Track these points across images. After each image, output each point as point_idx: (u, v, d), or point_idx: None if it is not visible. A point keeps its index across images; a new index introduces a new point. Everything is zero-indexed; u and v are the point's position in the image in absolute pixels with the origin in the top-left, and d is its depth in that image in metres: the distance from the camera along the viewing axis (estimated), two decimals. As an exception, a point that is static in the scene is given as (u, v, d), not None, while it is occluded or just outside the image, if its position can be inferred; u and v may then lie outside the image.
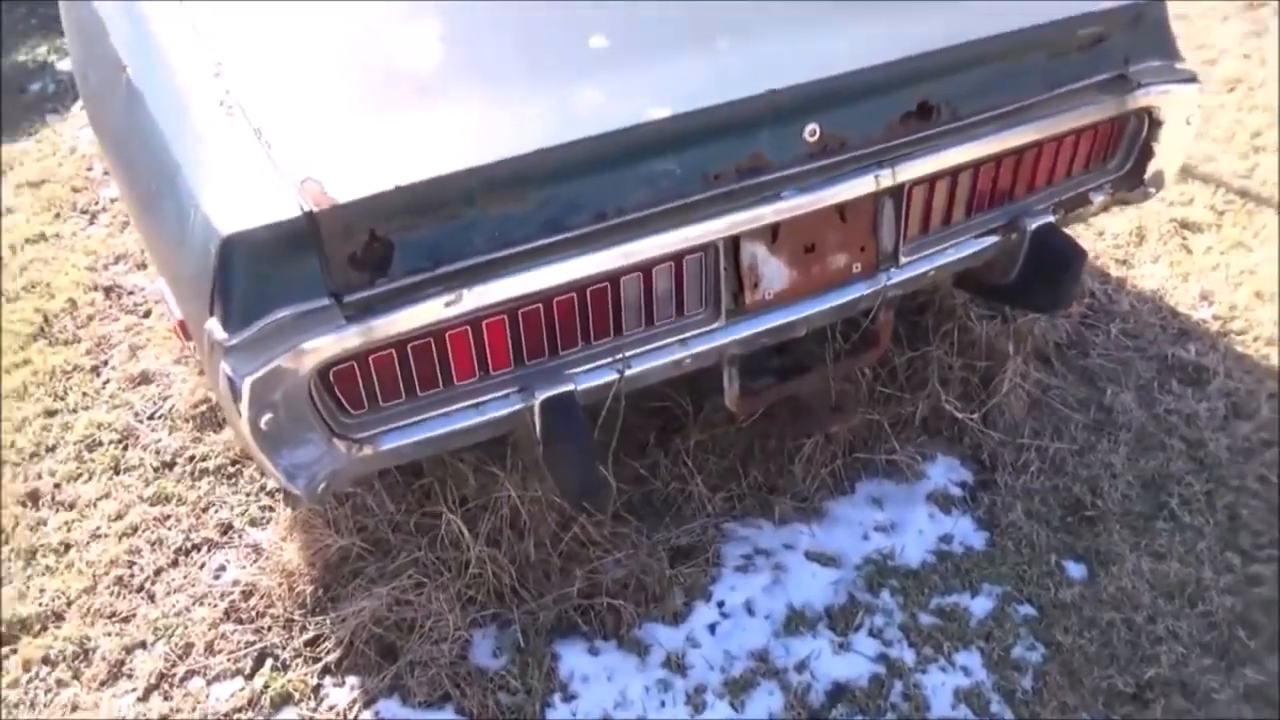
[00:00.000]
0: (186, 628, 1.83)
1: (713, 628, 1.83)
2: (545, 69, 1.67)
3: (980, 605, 1.86)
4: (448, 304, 1.45)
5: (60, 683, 1.76)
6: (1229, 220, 2.86)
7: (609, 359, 1.65)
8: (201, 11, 1.72)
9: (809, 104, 1.66)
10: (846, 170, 1.71)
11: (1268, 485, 2.07)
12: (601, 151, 1.52)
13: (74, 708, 1.71)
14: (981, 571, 1.92)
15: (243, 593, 1.88)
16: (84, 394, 2.38)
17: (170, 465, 2.17)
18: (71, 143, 3.52)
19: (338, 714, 1.68)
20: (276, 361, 1.36)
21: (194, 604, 1.88)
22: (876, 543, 1.99)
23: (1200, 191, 3.01)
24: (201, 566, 1.95)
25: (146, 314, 2.63)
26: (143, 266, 2.82)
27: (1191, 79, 2.05)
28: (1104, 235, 2.85)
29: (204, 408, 2.28)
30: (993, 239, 1.98)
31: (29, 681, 1.76)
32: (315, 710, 1.69)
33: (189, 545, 1.99)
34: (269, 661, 1.76)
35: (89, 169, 3.33)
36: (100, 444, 2.23)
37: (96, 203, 3.18)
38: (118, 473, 2.16)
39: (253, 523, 2.02)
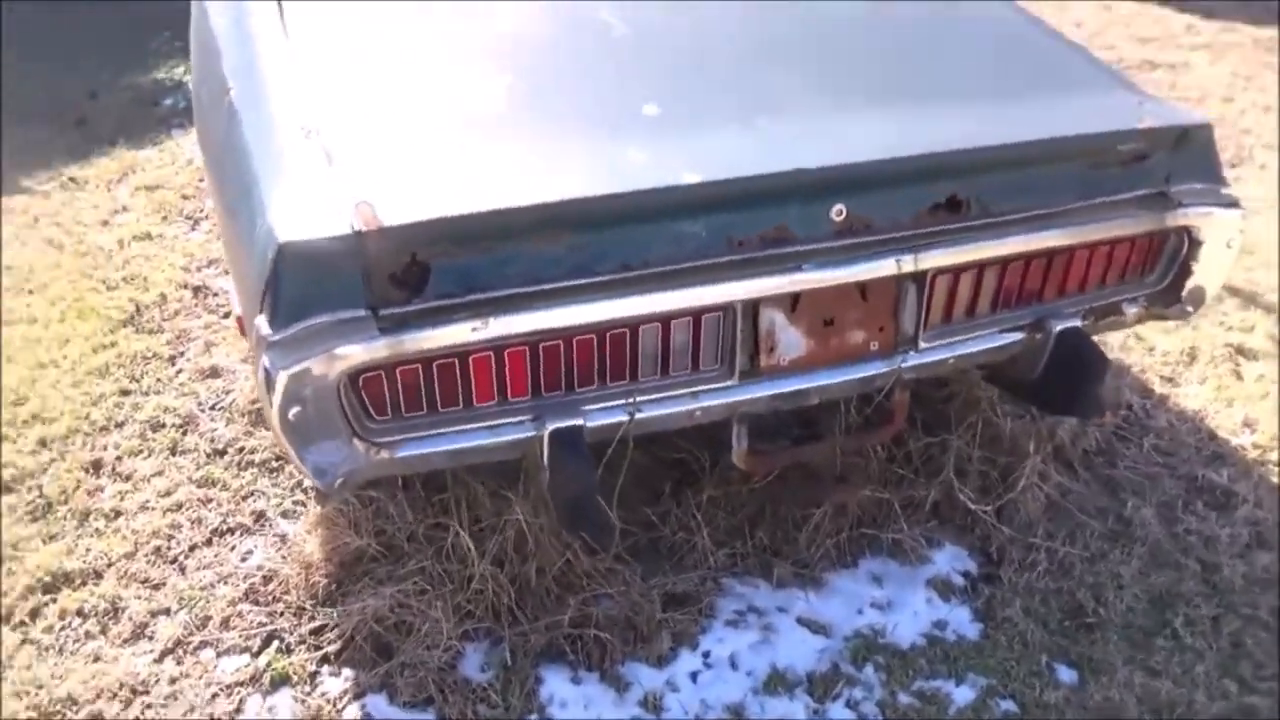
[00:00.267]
0: (208, 602, 1.97)
1: (694, 675, 1.88)
2: (598, 127, 1.82)
3: (962, 694, 1.87)
4: (473, 329, 1.58)
5: (89, 634, 1.91)
6: (1286, 352, 2.83)
7: (621, 401, 1.75)
8: (302, 46, 1.92)
9: (838, 185, 1.75)
10: (869, 252, 1.80)
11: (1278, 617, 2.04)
12: (632, 207, 1.64)
13: (96, 659, 1.86)
14: (969, 661, 1.94)
15: (264, 577, 2.01)
16: (158, 379, 2.59)
17: (221, 453, 2.34)
18: (189, 155, 3.83)
19: (328, 701, 1.79)
20: (310, 361, 1.50)
21: (219, 581, 2.02)
22: (870, 618, 2.02)
23: (1263, 320, 2.99)
24: (232, 549, 2.10)
25: (226, 315, 2.84)
26: (229, 272, 3.04)
27: (1234, 204, 2.09)
28: (1154, 351, 2.85)
29: (260, 405, 2.45)
30: (1017, 336, 2.03)
31: (61, 629, 1.92)
32: (309, 695, 1.80)
33: (224, 528, 2.14)
34: (275, 643, 1.88)
35: (200, 180, 3.62)
36: (163, 426, 2.42)
37: (201, 210, 3.45)
38: (174, 454, 2.34)
39: (284, 514, 2.16)
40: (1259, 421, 2.59)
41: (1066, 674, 1.92)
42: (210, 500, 2.21)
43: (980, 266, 1.94)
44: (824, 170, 1.73)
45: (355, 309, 1.53)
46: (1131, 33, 5.69)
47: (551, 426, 1.68)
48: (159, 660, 1.86)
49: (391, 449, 1.65)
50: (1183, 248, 2.10)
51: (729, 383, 1.83)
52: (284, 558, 2.04)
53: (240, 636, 1.90)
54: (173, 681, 1.82)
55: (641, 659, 1.89)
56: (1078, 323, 2.04)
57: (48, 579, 2.00)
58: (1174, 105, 2.21)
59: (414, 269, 1.56)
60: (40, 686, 1.79)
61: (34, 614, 1.94)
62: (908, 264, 1.82)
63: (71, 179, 3.72)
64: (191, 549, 2.09)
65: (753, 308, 1.79)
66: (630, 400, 1.76)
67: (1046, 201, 1.95)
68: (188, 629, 1.91)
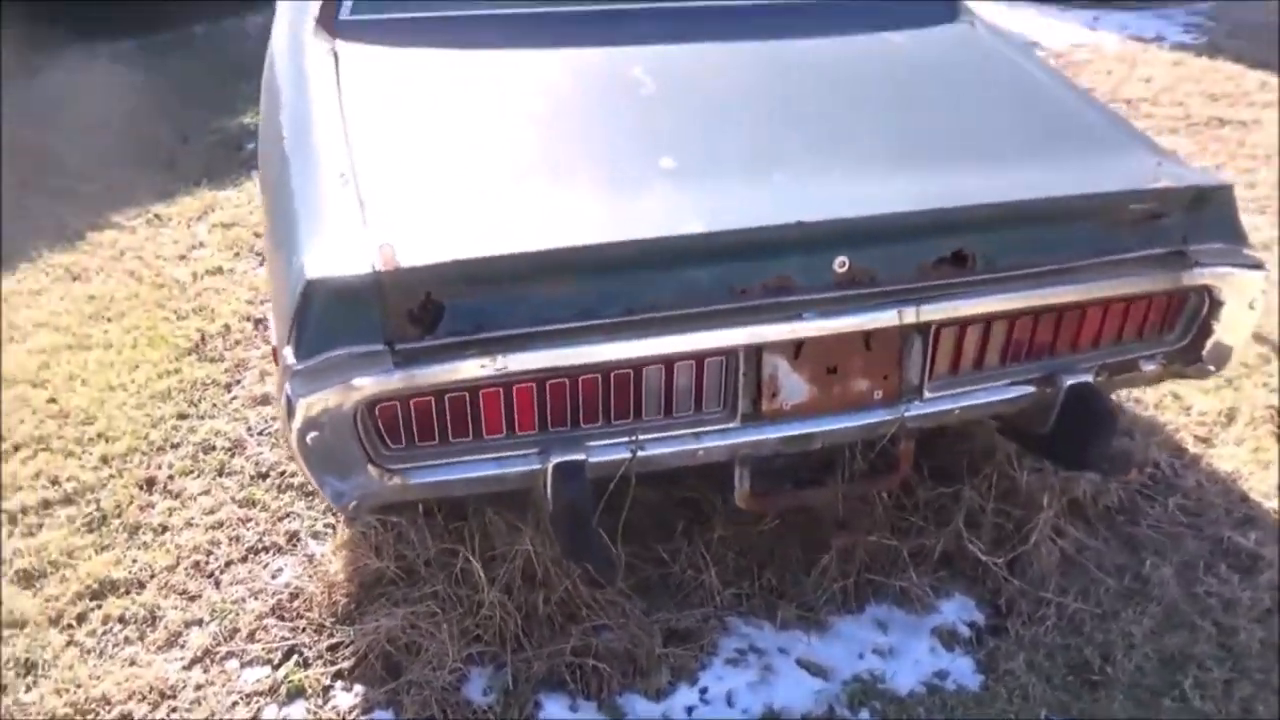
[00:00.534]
0: (238, 615, 2.09)
1: (690, 710, 1.93)
2: (615, 179, 1.92)
3: (956, 744, 1.89)
4: (482, 366, 1.68)
5: (127, 640, 2.05)
6: (1331, 416, 2.77)
7: (624, 439, 1.83)
8: (351, 97, 2.08)
9: (840, 237, 1.82)
10: (870, 302, 1.85)
11: (1294, 686, 1.99)
12: (636, 254, 1.73)
13: (132, 663, 1.99)
14: (967, 711, 1.94)
15: (290, 594, 2.13)
16: (213, 404, 2.76)
17: (264, 476, 2.48)
18: (264, 195, 4.07)
19: (338, 715, 1.88)
20: (329, 390, 1.62)
21: (250, 596, 2.14)
22: (870, 663, 2.04)
23: (1311, 384, 2.92)
24: (265, 566, 2.23)
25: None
26: (271, 305, 3.23)
27: (1256, 265, 2.08)
28: (1190, 411, 2.81)
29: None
30: (1027, 390, 2.05)
31: (104, 634, 2.06)
32: (320, 708, 1.90)
33: (260, 546, 2.28)
34: (295, 657, 1.99)
35: (271, 219, 3.84)
36: (214, 448, 2.58)
37: (269, 247, 3.66)
38: (221, 474, 2.50)
39: (315, 536, 2.29)
40: (1296, 486, 2.53)
41: (1066, 731, 1.92)
42: (249, 520, 2.35)
43: (987, 320, 1.97)
44: (825, 223, 1.80)
45: (373, 343, 1.65)
46: (1202, 89, 5.62)
47: (555, 460, 1.77)
48: (188, 667, 1.98)
49: (405, 476, 1.75)
50: (1203, 307, 2.10)
51: (731, 425, 1.89)
52: (310, 577, 2.16)
53: (263, 649, 2.02)
54: (198, 688, 1.94)
55: (639, 691, 1.95)
56: (1089, 378, 2.05)
57: (95, 586, 2.16)
58: (1193, 166, 2.21)
59: (429, 307, 1.67)
60: (79, 685, 1.93)
61: (80, 618, 2.09)
62: (910, 316, 1.86)
63: (156, 216, 3.99)
64: (228, 564, 2.23)
65: (755, 353, 1.85)
66: (633, 438, 1.83)
67: (1056, 258, 1.97)
68: (216, 639, 2.04)
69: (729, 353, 1.83)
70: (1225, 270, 2.05)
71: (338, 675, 1.95)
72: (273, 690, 1.93)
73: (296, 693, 1.93)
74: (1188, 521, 2.40)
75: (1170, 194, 2.00)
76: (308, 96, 2.16)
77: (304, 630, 2.05)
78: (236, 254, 3.66)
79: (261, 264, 3.58)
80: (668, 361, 1.80)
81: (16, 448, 2.58)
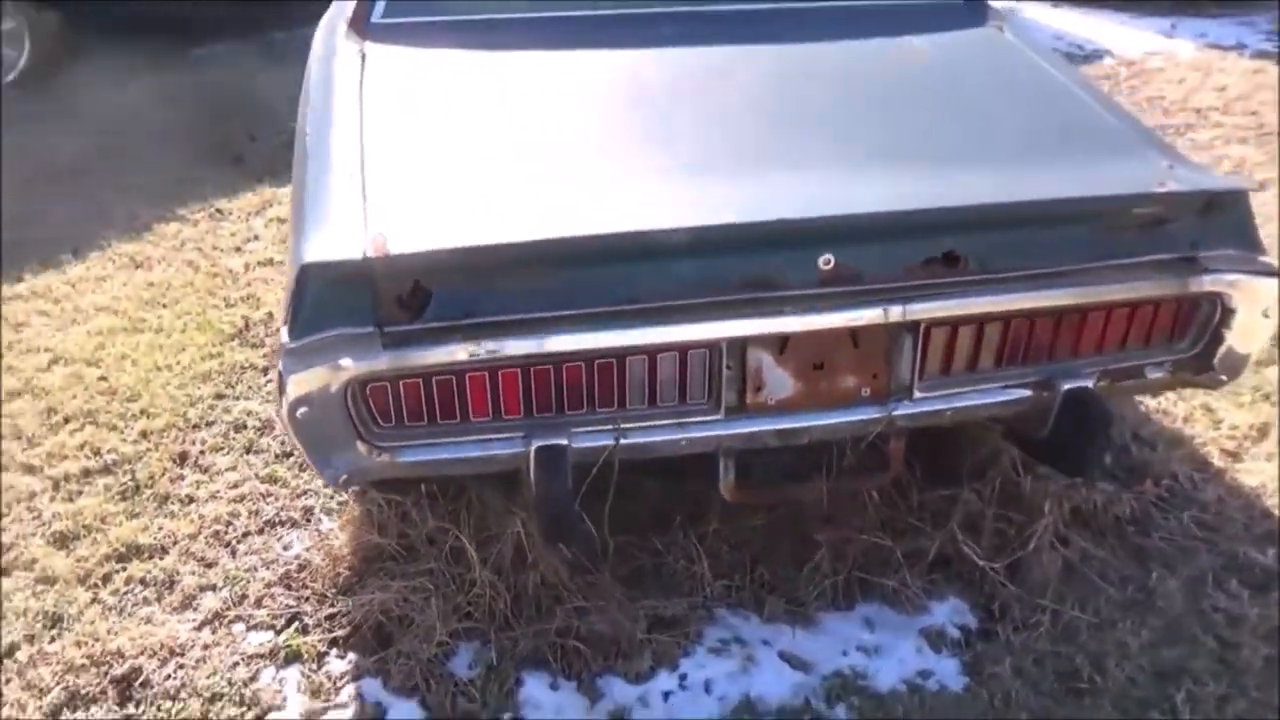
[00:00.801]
0: (249, 583, 2.21)
1: (667, 695, 1.96)
2: (610, 175, 1.98)
3: (931, 743, 1.88)
4: (467, 351, 1.75)
5: (146, 600, 2.18)
6: (1371, 435, 2.66)
7: (608, 426, 1.88)
8: (371, 97, 2.18)
9: (826, 235, 1.83)
10: (854, 300, 1.86)
11: (1293, 705, 1.93)
12: (618, 246, 1.78)
13: (148, 621, 2.12)
14: (946, 711, 1.93)
15: (299, 565, 2.24)
16: (249, 387, 2.90)
17: (288, 455, 2.60)
18: (319, 191, 4.23)
19: (329, 679, 1.97)
20: (318, 369, 1.71)
21: (262, 566, 2.26)
22: (854, 660, 2.05)
23: (1356, 401, 2.81)
24: (279, 539, 2.34)
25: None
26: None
27: (1271, 273, 2.03)
28: (1220, 425, 2.73)
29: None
30: (1024, 393, 2.03)
31: (125, 593, 2.19)
32: (314, 672, 1.99)
33: (276, 520, 2.39)
34: (296, 624, 2.09)
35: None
36: (245, 428, 2.71)
37: (318, 241, 3.81)
38: (249, 452, 2.62)
39: (327, 512, 2.39)
40: (1324, 504, 2.45)
41: (1047, 737, 1.89)
42: (270, 495, 2.47)
43: (980, 321, 1.96)
44: (810, 220, 1.82)
45: (364, 326, 1.73)
46: None
47: (537, 444, 1.83)
48: (198, 629, 2.10)
49: (393, 453, 1.83)
50: (1214, 315, 2.05)
51: (715, 417, 1.92)
52: (317, 550, 2.26)
53: (269, 615, 2.12)
54: (205, 648, 2.05)
55: (620, 674, 1.99)
56: (1088, 383, 2.02)
57: (123, 550, 2.29)
58: (1209, 171, 2.16)
59: (417, 293, 1.75)
60: (97, 639, 2.05)
61: (106, 578, 2.23)
62: (896, 314, 1.86)
63: (219, 210, 4.19)
64: (245, 535, 2.34)
65: (740, 347, 1.88)
66: (617, 426, 1.88)
67: (1055, 261, 1.95)
68: (227, 604, 2.15)
69: (712, 346, 1.86)
70: (1237, 278, 2.00)
71: (333, 643, 2.04)
72: (272, 654, 2.03)
73: (293, 657, 2.02)
74: (1202, 535, 2.34)
75: (1178, 199, 1.97)
76: (332, 95, 2.27)
77: (307, 599, 2.15)
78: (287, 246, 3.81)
79: (310, 256, 3.73)
80: (650, 352, 1.84)
81: (66, 420, 2.75)
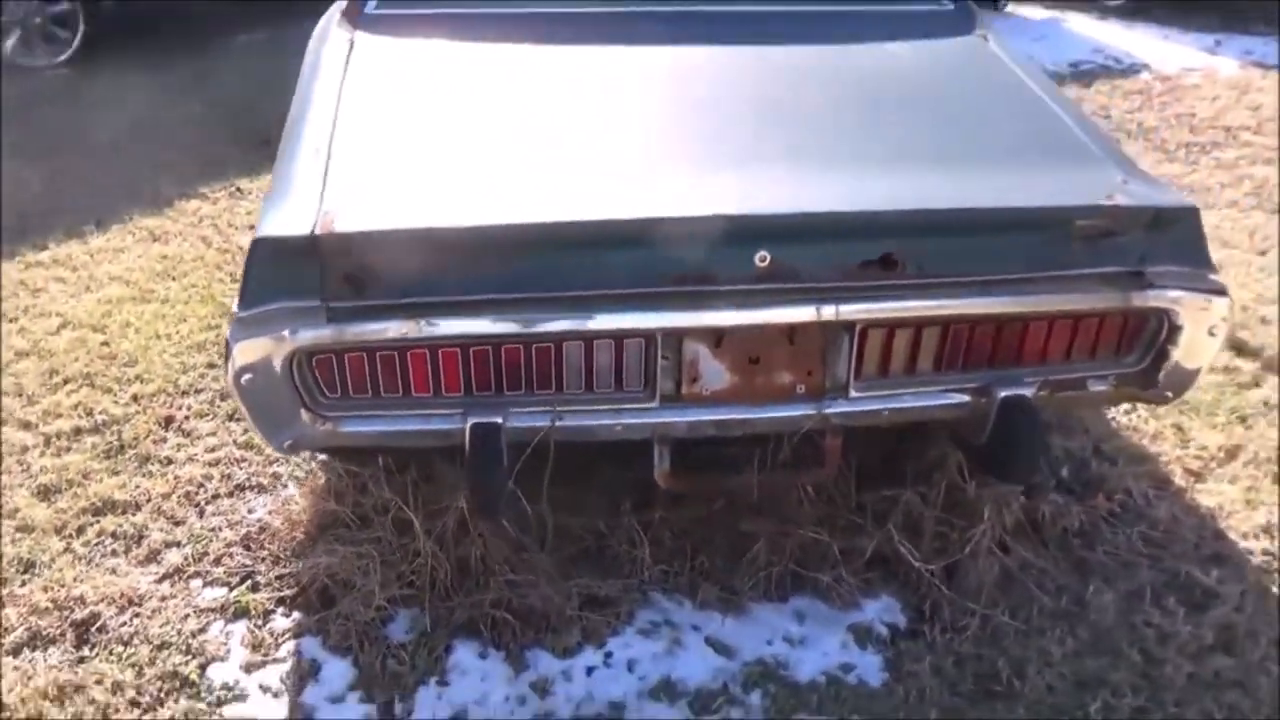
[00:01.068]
0: (211, 542, 2.32)
1: (590, 670, 2.03)
2: (563, 166, 2.04)
3: (839, 733, 1.92)
4: (408, 329, 1.83)
5: (114, 552, 2.30)
6: (1344, 463, 2.63)
7: (545, 409, 1.95)
8: (353, 81, 2.27)
9: (761, 232, 1.88)
10: (789, 298, 1.91)
11: (1207, 721, 1.94)
12: (559, 236, 1.85)
13: (113, 572, 2.24)
14: (858, 705, 1.97)
15: (259, 528, 2.34)
16: (240, 358, 3.02)
17: (267, 424, 2.71)
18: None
19: (272, 635, 2.08)
20: (263, 339, 1.80)
21: (226, 527, 2.37)
22: (778, 650, 2.09)
23: (1336, 427, 2.78)
24: (246, 502, 2.45)
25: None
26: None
27: (1219, 291, 2.03)
28: (1189, 444, 2.72)
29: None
30: (962, 399, 2.06)
31: (96, 544, 2.32)
32: (260, 627, 2.09)
33: (246, 484, 2.51)
34: (248, 582, 2.20)
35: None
36: (230, 397, 2.83)
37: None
38: (230, 420, 2.74)
39: (295, 480, 2.50)
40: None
41: (955, 735, 1.92)
42: (244, 461, 2.58)
43: (917, 325, 1.99)
44: (746, 217, 1.87)
45: (310, 300, 1.82)
46: (1319, 117, 5.31)
47: (472, 420, 1.91)
48: (158, 581, 2.22)
49: (336, 423, 1.92)
50: (1161, 331, 2.06)
51: (650, 405, 1.98)
52: (278, 514, 2.36)
53: (225, 573, 2.23)
54: (162, 600, 2.17)
55: (548, 648, 2.06)
56: (1025, 391, 2.04)
57: (99, 504, 2.42)
58: (1165, 187, 2.17)
59: (363, 271, 1.84)
60: (63, 586, 2.18)
61: (80, 530, 2.35)
62: (829, 313, 1.90)
63: (239, 188, 4.34)
64: (214, 497, 2.46)
65: (676, 338, 1.94)
66: (554, 409, 1.95)
67: (996, 269, 1.97)
68: (188, 560, 2.26)
69: (648, 336, 1.92)
70: (1182, 294, 2.01)
71: (280, 601, 2.14)
72: (223, 609, 2.14)
73: (242, 613, 2.13)
74: (1148, 552, 2.34)
75: (1124, 213, 1.98)
76: (316, 79, 2.38)
77: (263, 560, 2.25)
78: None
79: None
80: (587, 339, 1.91)
81: (66, 381, 2.90)
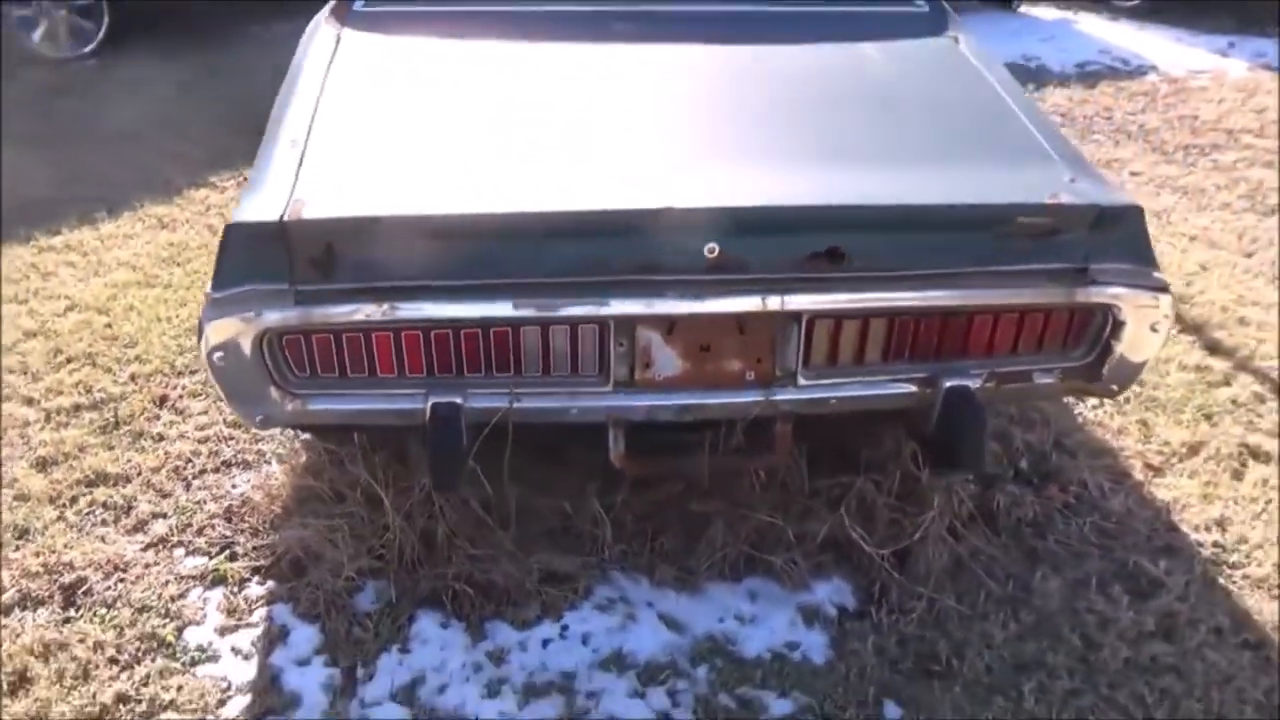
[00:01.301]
0: (195, 514, 2.44)
1: (546, 642, 2.12)
2: (528, 159, 2.13)
3: (780, 707, 2.00)
4: (370, 312, 1.92)
5: (104, 521, 2.42)
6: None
7: (503, 391, 2.04)
8: (337, 76, 2.38)
9: (710, 225, 1.95)
10: (736, 288, 1.99)
11: (1137, 703, 2.00)
12: (514, 225, 1.94)
13: (102, 540, 2.36)
14: (800, 680, 2.05)
15: (241, 501, 2.46)
16: (236, 342, 3.14)
17: (256, 405, 2.83)
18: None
19: (246, 601, 2.19)
20: (233, 318, 1.90)
21: (210, 500, 2.48)
22: (728, 627, 2.17)
23: (1300, 426, 2.82)
24: (231, 478, 2.56)
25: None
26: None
27: (1160, 288, 2.08)
28: (1151, 440, 2.77)
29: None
30: (909, 389, 2.12)
31: (87, 514, 2.44)
32: (235, 594, 2.20)
33: (232, 461, 2.62)
34: (228, 552, 2.31)
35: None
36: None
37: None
38: (221, 400, 2.85)
39: (278, 458, 2.61)
40: (1233, 522, 2.48)
41: (892, 711, 1.99)
42: (232, 439, 2.70)
43: (864, 316, 2.06)
44: (696, 210, 1.95)
45: (280, 283, 1.92)
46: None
47: (433, 400, 2.00)
48: (144, 550, 2.33)
49: (305, 401, 2.02)
50: (1105, 326, 2.12)
51: (604, 389, 2.07)
52: (260, 489, 2.47)
53: (206, 543, 2.35)
54: (146, 567, 2.28)
55: (507, 620, 2.15)
56: (969, 383, 2.10)
57: (93, 476, 2.55)
58: (1111, 186, 2.22)
59: (329, 256, 1.93)
60: (54, 552, 2.30)
61: (73, 500, 2.48)
62: (775, 304, 1.98)
63: (246, 178, 4.44)
64: (201, 473, 2.58)
65: (630, 326, 2.02)
66: (512, 391, 2.04)
67: (942, 263, 2.04)
68: (172, 530, 2.38)
69: (602, 322, 2.00)
70: (1124, 291, 2.06)
71: (255, 570, 2.26)
72: (202, 576, 2.26)
73: (219, 580, 2.24)
74: (1098, 542, 2.40)
75: (1068, 210, 2.03)
76: (301, 73, 2.48)
77: (243, 532, 2.37)
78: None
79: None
80: (543, 324, 2.00)
81: (69, 360, 3.03)
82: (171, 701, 1.96)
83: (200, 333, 1.91)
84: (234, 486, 2.53)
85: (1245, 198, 4.39)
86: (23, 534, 2.37)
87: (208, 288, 1.92)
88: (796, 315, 2.02)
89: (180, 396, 2.88)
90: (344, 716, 1.94)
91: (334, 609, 2.14)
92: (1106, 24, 7.37)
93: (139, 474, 2.57)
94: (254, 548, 2.31)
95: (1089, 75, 6.17)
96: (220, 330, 1.90)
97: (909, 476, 2.39)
